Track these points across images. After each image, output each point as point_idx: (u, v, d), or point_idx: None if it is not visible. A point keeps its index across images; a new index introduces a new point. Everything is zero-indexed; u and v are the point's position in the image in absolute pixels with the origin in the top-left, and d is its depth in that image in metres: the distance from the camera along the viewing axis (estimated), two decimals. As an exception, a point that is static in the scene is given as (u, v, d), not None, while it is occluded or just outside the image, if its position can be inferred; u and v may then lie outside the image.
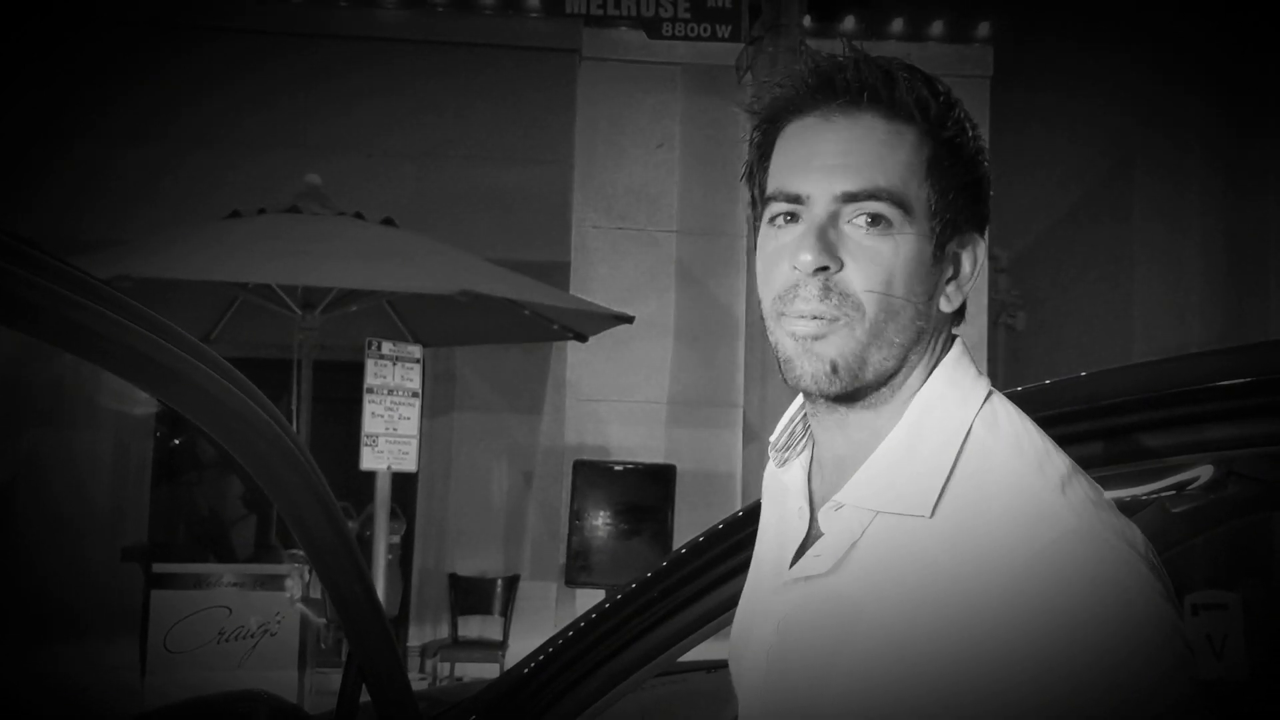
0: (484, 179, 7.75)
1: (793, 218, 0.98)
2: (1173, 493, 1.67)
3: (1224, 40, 7.90)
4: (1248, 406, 1.26)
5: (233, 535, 6.94)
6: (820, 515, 1.01)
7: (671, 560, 1.62)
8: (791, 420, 1.10)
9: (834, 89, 0.97)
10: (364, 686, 1.41)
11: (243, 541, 6.98)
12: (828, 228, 0.96)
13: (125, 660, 5.16)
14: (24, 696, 5.43)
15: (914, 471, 0.95)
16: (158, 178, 7.34)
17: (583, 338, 6.44)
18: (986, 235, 1.03)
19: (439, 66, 7.85)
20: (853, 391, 0.98)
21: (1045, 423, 1.33)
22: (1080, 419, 1.32)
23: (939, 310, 0.99)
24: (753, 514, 1.54)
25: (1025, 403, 1.31)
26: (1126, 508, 1.72)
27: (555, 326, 6.15)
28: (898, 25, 8.33)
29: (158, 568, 4.97)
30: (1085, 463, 1.33)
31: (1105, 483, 1.52)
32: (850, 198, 0.95)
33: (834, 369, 0.96)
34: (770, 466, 1.12)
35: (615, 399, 8.02)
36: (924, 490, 0.93)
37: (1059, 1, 9.05)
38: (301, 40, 7.82)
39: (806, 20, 6.98)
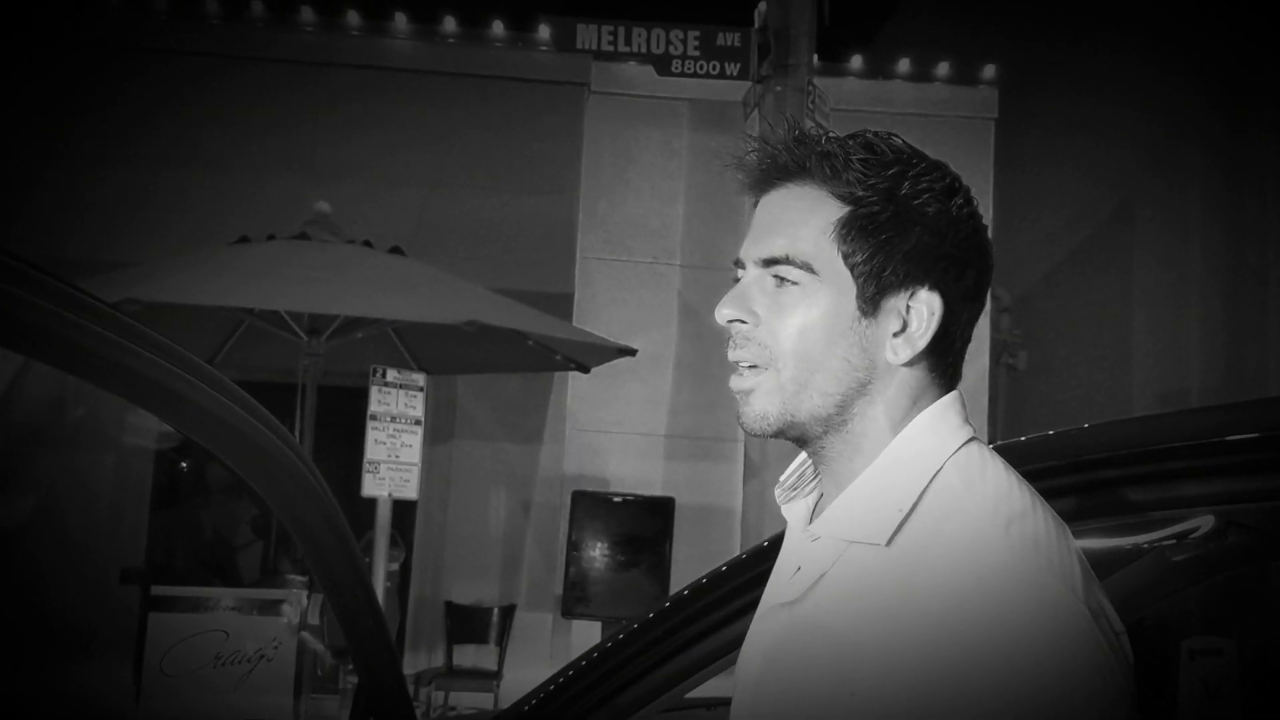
0: (491, 209, 7.80)
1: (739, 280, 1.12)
2: (1172, 542, 1.68)
3: (1227, 91, 7.97)
4: (1240, 463, 1.29)
5: (238, 559, 6.93)
6: (798, 545, 1.11)
7: (674, 600, 1.63)
8: (802, 464, 1.18)
9: (771, 166, 1.09)
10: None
11: (247, 566, 6.97)
12: (751, 286, 1.09)
13: (120, 682, 5.14)
14: (16, 717, 5.41)
15: (880, 505, 1.02)
16: (172, 202, 7.40)
17: (585, 369, 6.45)
18: (947, 288, 1.06)
19: (449, 97, 7.92)
20: (796, 435, 1.08)
21: (1048, 473, 1.35)
22: (1076, 471, 1.35)
23: (887, 362, 1.06)
24: (756, 556, 1.56)
25: (1022, 454, 1.33)
26: (1126, 556, 1.74)
27: (558, 357, 6.17)
28: (904, 66, 8.40)
29: (156, 590, 4.96)
30: (1077, 514, 1.35)
31: (1103, 531, 1.53)
32: (767, 262, 1.07)
33: (764, 415, 1.07)
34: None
35: (616, 430, 8.03)
36: (884, 521, 1.01)
37: (1065, 46, 9.14)
38: (314, 68, 7.90)
39: (815, 60, 7.05)
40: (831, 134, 1.09)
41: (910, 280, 1.05)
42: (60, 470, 7.25)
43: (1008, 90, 8.40)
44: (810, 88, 6.38)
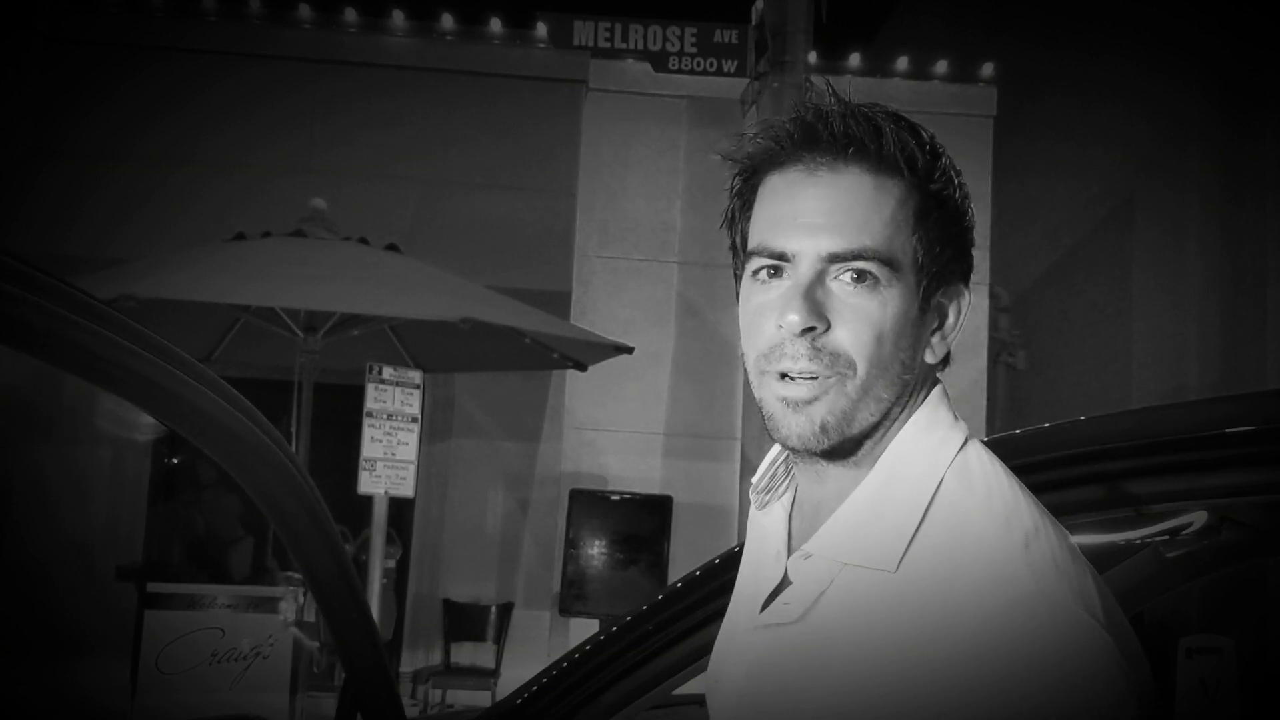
0: (488, 207, 7.79)
1: (776, 272, 0.97)
2: (1166, 538, 1.67)
3: (1225, 91, 7.96)
4: (1234, 456, 1.28)
5: (229, 556, 6.92)
6: (790, 563, 1.00)
7: (666, 594, 1.62)
8: (773, 463, 1.09)
9: (818, 142, 0.95)
10: (358, 715, 1.42)
11: (239, 562, 6.97)
12: (815, 286, 0.94)
13: (116, 680, 5.13)
14: (10, 716, 5.40)
15: (882, 525, 0.94)
16: (170, 198, 7.39)
17: (582, 367, 6.45)
18: (971, 284, 1.01)
19: (446, 94, 7.91)
20: (838, 447, 0.97)
21: (1041, 467, 1.34)
22: (1069, 464, 1.34)
23: (924, 362, 0.98)
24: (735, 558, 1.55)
25: (1017, 447, 1.32)
26: (1120, 552, 1.73)
27: (555, 355, 6.16)
28: (902, 63, 8.38)
29: (152, 587, 4.96)
30: (1070, 508, 1.34)
31: (1096, 527, 1.53)
32: (836, 258, 0.94)
33: (824, 428, 0.95)
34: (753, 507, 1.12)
35: (613, 429, 8.02)
36: (890, 544, 0.92)
37: (1064, 47, 9.13)
38: (310, 66, 7.89)
39: (812, 57, 7.04)
40: (879, 108, 0.97)
41: (954, 275, 0.99)
42: (57, 465, 7.24)
43: (1007, 88, 8.38)
44: (807, 85, 6.37)
